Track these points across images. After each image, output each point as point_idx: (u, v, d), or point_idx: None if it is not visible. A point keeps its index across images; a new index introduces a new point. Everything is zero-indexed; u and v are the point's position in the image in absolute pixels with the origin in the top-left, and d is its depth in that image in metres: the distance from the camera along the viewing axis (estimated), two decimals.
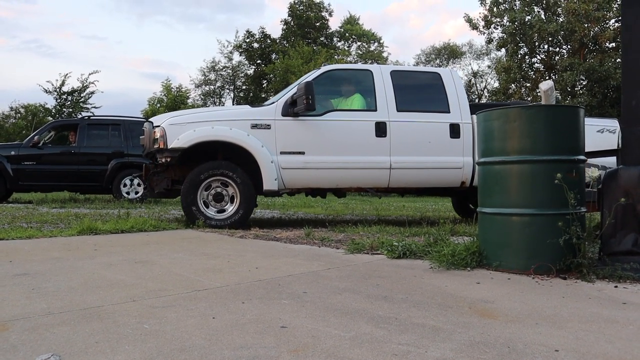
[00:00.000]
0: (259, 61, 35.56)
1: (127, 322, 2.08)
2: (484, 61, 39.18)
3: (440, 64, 39.50)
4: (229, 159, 6.09)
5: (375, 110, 6.41)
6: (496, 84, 33.41)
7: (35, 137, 10.75)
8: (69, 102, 29.89)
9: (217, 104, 34.87)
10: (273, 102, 6.37)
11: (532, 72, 27.38)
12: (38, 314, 2.19)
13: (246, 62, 35.04)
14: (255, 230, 5.41)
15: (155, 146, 6.04)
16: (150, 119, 6.58)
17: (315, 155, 6.17)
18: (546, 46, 26.69)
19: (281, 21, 37.76)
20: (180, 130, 5.91)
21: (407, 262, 3.65)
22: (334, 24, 39.00)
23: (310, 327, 2.04)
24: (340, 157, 6.22)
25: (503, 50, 28.44)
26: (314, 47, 33.12)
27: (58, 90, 29.96)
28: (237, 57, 35.25)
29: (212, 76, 34.32)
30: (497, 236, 3.38)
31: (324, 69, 6.71)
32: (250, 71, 35.76)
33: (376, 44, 38.03)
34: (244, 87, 34.45)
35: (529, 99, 25.34)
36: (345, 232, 5.33)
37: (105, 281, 2.88)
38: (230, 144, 5.98)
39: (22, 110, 34.02)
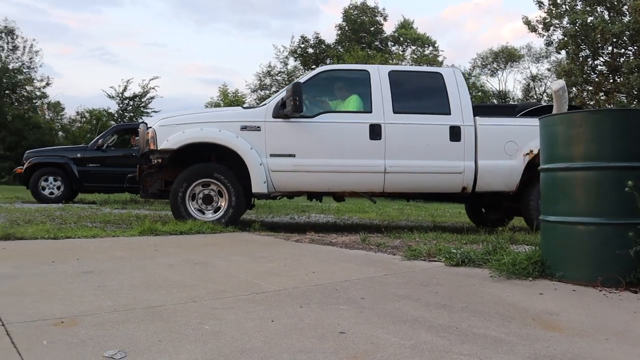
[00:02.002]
0: (313, 66, 35.79)
1: (188, 322, 2.12)
2: (544, 64, 38.07)
3: (498, 67, 38.62)
4: (223, 161, 6.08)
5: (371, 111, 6.19)
6: None
7: (99, 141, 11.21)
8: (130, 107, 31.04)
9: None
10: (265, 104, 6.31)
11: (594, 75, 26.33)
12: (104, 311, 2.27)
13: (301, 67, 35.33)
14: (311, 235, 5.43)
15: (147, 147, 6.09)
16: (145, 120, 6.54)
17: (305, 158, 6.03)
18: (610, 47, 25.61)
19: (336, 26, 37.91)
20: (170, 132, 5.93)
21: (466, 270, 3.57)
22: (389, 28, 38.70)
23: (369, 334, 2.02)
24: (332, 160, 6.05)
25: (563, 52, 27.49)
26: (369, 52, 33.04)
27: (120, 95, 31.20)
28: (292, 62, 35.63)
29: (268, 81, 34.82)
30: (561, 246, 3.25)
31: (319, 69, 6.64)
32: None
33: (431, 48, 37.58)
34: None
35: (592, 103, 24.38)
36: (401, 238, 5.27)
37: (167, 281, 2.95)
38: (219, 146, 5.95)
39: (87, 114, 35.63)
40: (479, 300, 2.65)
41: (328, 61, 34.61)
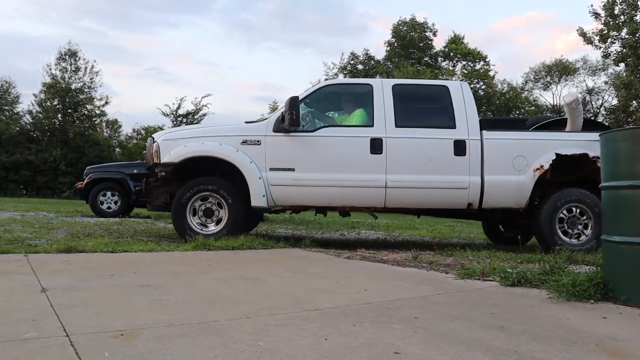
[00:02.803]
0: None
1: (243, 338, 2.13)
2: (600, 77, 36.69)
3: (551, 81, 37.61)
4: (229, 175, 6.09)
5: (372, 125, 6.09)
6: (614, 101, 31.17)
7: None
8: (184, 124, 31.88)
9: None
10: (266, 119, 6.33)
11: None
12: (161, 325, 2.31)
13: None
14: (362, 252, 5.40)
15: (152, 161, 6.19)
16: (153, 135, 6.71)
17: (305, 172, 5.98)
18: None
19: (385, 42, 37.97)
20: (173, 146, 6.04)
21: (522, 290, 3.46)
22: (438, 43, 38.42)
23: (424, 355, 1.98)
24: (332, 175, 5.97)
25: (622, 65, 26.56)
26: (418, 67, 32.88)
27: (174, 113, 32.19)
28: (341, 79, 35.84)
29: None
30: (626, 267, 3.10)
31: (322, 83, 6.64)
32: None
33: (482, 62, 37.02)
34: None
35: None
36: (454, 256, 5.17)
37: (220, 296, 2.99)
38: (219, 159, 5.99)
39: (142, 131, 36.85)
40: (538, 323, 2.56)
41: (378, 77, 34.60)
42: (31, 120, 35.77)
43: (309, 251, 5.48)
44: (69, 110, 35.26)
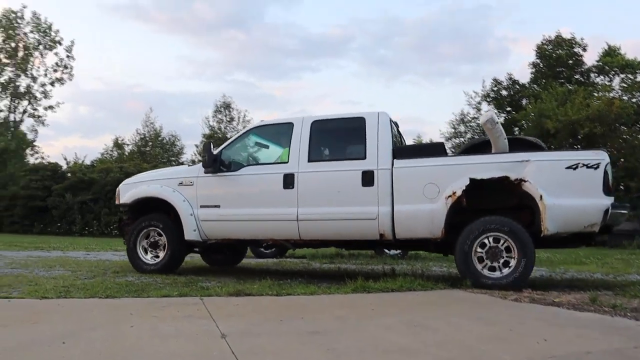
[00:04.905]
0: (508, 108, 34.39)
1: None
2: None
3: None
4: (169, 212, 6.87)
5: (287, 162, 6.38)
6: None
7: None
8: None
9: None
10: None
11: None
12: None
13: (495, 110, 34.22)
14: (528, 293, 5.04)
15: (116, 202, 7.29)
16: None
17: (228, 208, 6.53)
18: None
19: (529, 64, 36.09)
20: (129, 189, 7.16)
21: None
22: (590, 58, 35.58)
23: None
24: (251, 210, 6.41)
25: None
26: (569, 87, 30.75)
27: None
28: (485, 107, 34.68)
29: (462, 128, 34.25)
30: None
31: (250, 126, 7.40)
32: (501, 119, 34.74)
33: None
34: None
35: None
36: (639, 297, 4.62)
37: (392, 345, 2.95)
38: (159, 199, 6.86)
39: None
40: None
41: (524, 102, 33.00)
42: None
43: (472, 293, 5.24)
44: None
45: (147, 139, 39.68)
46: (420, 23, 60.23)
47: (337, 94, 64.64)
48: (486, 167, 5.63)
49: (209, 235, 6.75)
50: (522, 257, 5.34)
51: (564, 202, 5.27)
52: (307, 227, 6.26)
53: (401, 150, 6.34)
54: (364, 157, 6.12)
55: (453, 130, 32.78)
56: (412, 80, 60.45)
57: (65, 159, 34.07)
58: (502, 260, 5.48)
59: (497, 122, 6.22)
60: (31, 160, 35.47)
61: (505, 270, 5.43)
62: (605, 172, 5.28)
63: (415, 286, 5.40)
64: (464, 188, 5.57)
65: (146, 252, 7.00)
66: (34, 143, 37.06)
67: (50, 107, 37.16)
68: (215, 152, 6.65)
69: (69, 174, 28.65)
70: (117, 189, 7.43)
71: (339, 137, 6.77)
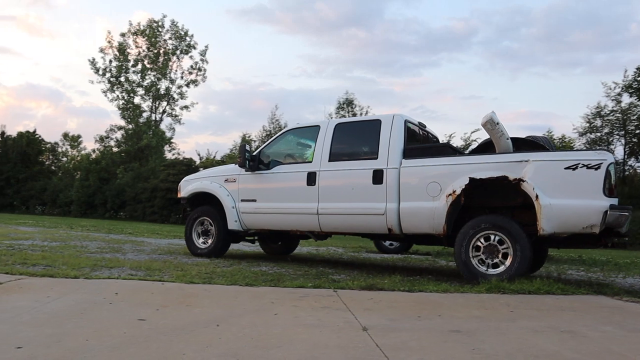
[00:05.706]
0: None
1: None
2: None
3: None
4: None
5: (311, 161, 7.08)
6: None
7: None
8: None
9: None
10: None
11: None
12: None
13: (639, 103, 31.26)
14: None
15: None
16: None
17: (263, 202, 7.41)
18: None
19: None
20: (187, 185, 8.42)
21: None
22: None
23: None
24: (280, 204, 7.23)
25: None
26: None
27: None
28: (626, 99, 31.85)
29: (598, 122, 31.71)
30: None
31: (285, 130, 7.96)
32: None
33: None
34: (637, 132, 30.57)
35: None
36: None
37: (542, 351, 2.83)
38: (209, 194, 7.96)
39: None
40: None
41: None
42: None
43: (620, 300, 4.87)
44: None
45: (273, 135, 41.28)
46: (547, 11, 56.72)
47: (458, 88, 62.81)
48: (486, 167, 5.83)
49: (248, 226, 7.67)
50: (516, 254, 5.50)
51: (560, 203, 5.31)
52: (325, 220, 6.90)
53: (411, 151, 6.57)
54: (376, 157, 6.59)
55: (588, 124, 30.28)
56: (540, 72, 57.03)
57: (199, 155, 36.54)
58: (496, 259, 5.69)
59: (497, 123, 6.30)
60: (169, 155, 38.50)
61: (501, 267, 5.63)
62: (607, 173, 5.21)
63: (554, 289, 5.12)
64: (464, 187, 5.83)
65: (199, 237, 8.12)
66: (172, 140, 40.16)
67: (186, 107, 40.18)
68: (255, 152, 7.63)
69: (201, 169, 30.66)
70: (179, 184, 8.65)
71: (357, 139, 7.25)
